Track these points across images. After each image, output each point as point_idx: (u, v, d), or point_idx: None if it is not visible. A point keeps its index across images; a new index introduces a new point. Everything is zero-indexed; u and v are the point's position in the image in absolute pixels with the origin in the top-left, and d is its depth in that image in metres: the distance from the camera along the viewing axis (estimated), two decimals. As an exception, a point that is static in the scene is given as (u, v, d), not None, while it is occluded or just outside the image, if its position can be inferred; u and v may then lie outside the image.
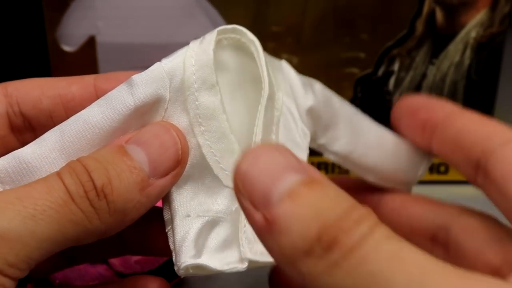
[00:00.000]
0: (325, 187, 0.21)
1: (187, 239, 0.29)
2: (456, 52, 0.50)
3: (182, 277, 0.38)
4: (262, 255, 0.28)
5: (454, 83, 0.51)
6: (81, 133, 0.28)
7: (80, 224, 0.26)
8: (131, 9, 0.49)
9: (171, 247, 0.29)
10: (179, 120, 0.29)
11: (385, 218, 0.29)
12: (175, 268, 0.29)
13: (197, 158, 0.29)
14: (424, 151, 0.35)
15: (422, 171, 0.37)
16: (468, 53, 0.50)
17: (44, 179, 0.27)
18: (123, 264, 0.39)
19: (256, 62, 0.30)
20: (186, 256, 0.28)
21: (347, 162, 0.34)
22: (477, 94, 0.51)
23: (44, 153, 0.28)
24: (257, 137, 0.29)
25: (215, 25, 0.51)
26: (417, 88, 0.50)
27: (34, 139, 0.29)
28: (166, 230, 0.30)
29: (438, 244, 0.33)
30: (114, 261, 0.40)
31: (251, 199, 0.21)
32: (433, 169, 0.53)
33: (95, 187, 0.27)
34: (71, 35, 0.50)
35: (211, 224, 0.29)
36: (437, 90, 0.51)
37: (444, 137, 0.33)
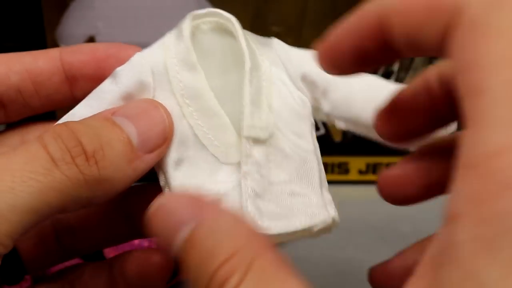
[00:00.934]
0: (206, 238, 0.22)
1: None
2: (456, 53, 0.50)
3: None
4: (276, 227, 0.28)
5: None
6: None
7: (65, 192, 0.25)
8: (131, 9, 0.49)
9: None
10: (168, 103, 0.29)
11: None
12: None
13: (191, 140, 0.29)
14: None
15: None
16: (467, 53, 0.50)
17: (25, 147, 0.26)
18: None
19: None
20: None
21: (359, 126, 0.32)
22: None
23: None
24: (247, 109, 0.29)
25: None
26: (416, 88, 0.51)
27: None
28: None
29: None
30: None
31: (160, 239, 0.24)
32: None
33: (85, 152, 0.26)
34: (70, 35, 0.50)
35: None
36: (437, 91, 0.51)
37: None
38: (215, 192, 0.29)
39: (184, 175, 0.29)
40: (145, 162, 0.28)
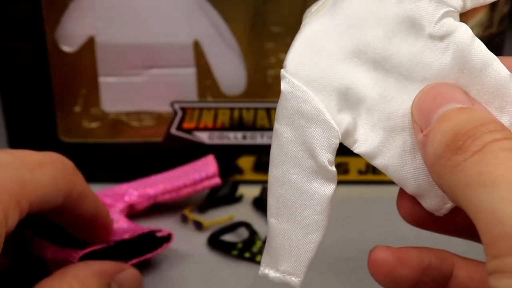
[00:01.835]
0: (476, 111, 0.27)
1: None
2: (456, 53, 0.50)
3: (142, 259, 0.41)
4: None
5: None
6: None
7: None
8: (131, 9, 0.49)
9: None
10: None
11: None
12: None
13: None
14: None
15: None
16: (467, 53, 0.50)
17: None
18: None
19: None
20: None
21: None
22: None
23: None
24: None
25: (215, 25, 0.51)
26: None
27: None
28: None
29: None
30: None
31: (419, 121, 0.28)
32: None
33: None
34: (70, 36, 0.50)
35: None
36: (437, 91, 0.51)
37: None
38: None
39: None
40: None
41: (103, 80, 0.51)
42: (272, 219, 0.31)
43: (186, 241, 0.47)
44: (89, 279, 0.33)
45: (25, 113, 0.51)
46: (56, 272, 0.34)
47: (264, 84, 0.51)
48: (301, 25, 0.32)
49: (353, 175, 0.54)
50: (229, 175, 0.54)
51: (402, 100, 0.30)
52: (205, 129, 0.52)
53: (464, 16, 0.50)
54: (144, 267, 0.45)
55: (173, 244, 0.44)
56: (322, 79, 0.30)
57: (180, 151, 0.52)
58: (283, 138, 0.30)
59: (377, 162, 0.31)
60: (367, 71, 0.30)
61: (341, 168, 0.53)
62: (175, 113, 0.51)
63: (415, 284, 0.31)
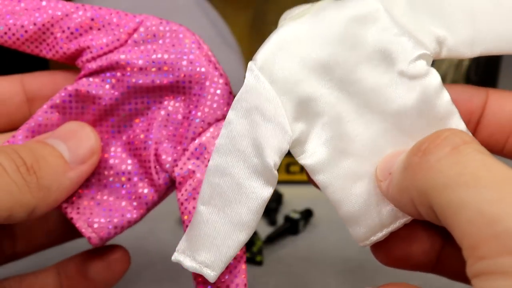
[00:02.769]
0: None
1: None
2: (456, 53, 0.50)
3: None
4: None
5: (454, 82, 0.51)
6: None
7: (13, 195, 0.29)
8: (131, 9, 0.49)
9: None
10: None
11: None
12: None
13: None
14: None
15: None
16: (467, 53, 0.50)
17: None
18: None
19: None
20: None
21: (475, 46, 0.31)
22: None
23: None
24: None
25: (215, 26, 0.51)
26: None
27: None
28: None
29: None
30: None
31: (382, 177, 0.29)
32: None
33: (25, 163, 0.30)
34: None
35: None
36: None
37: None
38: None
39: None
40: (78, 172, 0.33)
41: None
42: (201, 207, 0.30)
43: (186, 241, 0.47)
44: None
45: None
46: None
47: (264, 84, 0.51)
48: (279, 25, 0.32)
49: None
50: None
51: (357, 126, 0.30)
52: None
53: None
54: (144, 267, 0.45)
55: (173, 244, 0.44)
56: (288, 82, 0.30)
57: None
58: (235, 130, 0.30)
59: (319, 178, 0.30)
60: (331, 88, 0.30)
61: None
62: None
63: None
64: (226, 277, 0.32)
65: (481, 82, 0.51)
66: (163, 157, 0.34)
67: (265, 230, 0.49)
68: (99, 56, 0.34)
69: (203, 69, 0.33)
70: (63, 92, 0.34)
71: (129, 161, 0.35)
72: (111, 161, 0.35)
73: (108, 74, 0.34)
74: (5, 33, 0.34)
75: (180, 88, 0.34)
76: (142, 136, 0.34)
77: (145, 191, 0.34)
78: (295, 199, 0.52)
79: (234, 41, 0.50)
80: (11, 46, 0.35)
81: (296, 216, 0.49)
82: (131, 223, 0.34)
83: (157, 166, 0.34)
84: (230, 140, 0.30)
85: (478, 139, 0.29)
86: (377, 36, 0.30)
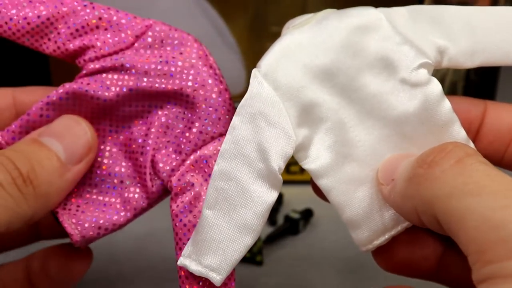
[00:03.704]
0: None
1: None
2: (456, 53, 0.50)
3: None
4: None
5: (454, 83, 0.51)
6: None
7: (10, 209, 0.29)
8: (131, 10, 0.49)
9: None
10: None
11: None
12: None
13: None
14: None
15: None
16: (467, 53, 0.50)
17: None
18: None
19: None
20: None
21: (475, 57, 0.31)
22: (476, 95, 0.51)
23: None
24: None
25: (215, 26, 0.51)
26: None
27: None
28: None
29: None
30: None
31: (384, 181, 0.29)
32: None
33: (21, 174, 0.29)
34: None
35: None
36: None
37: None
38: None
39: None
40: (75, 172, 0.32)
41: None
42: (207, 211, 0.31)
43: (186, 241, 0.47)
44: None
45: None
46: None
47: (264, 84, 0.51)
48: (282, 34, 0.32)
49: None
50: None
51: (359, 132, 0.31)
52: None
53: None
54: (143, 267, 0.45)
55: (173, 244, 0.44)
56: (292, 88, 0.30)
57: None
58: (240, 135, 0.30)
59: (322, 183, 0.31)
60: (334, 94, 0.31)
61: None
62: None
63: None
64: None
65: (481, 82, 0.51)
66: (160, 165, 0.33)
67: (265, 230, 0.49)
68: (103, 56, 0.34)
69: (209, 81, 0.33)
70: (61, 89, 0.33)
71: (124, 164, 0.34)
72: (105, 160, 0.34)
73: (110, 76, 0.33)
74: (6, 22, 0.34)
75: (184, 96, 0.33)
76: (140, 140, 0.34)
77: (136, 196, 0.33)
78: (295, 199, 0.52)
79: (234, 41, 0.50)
80: (9, 37, 0.34)
81: (296, 216, 0.49)
82: (116, 226, 0.33)
83: (152, 173, 0.33)
84: (235, 145, 0.30)
85: (477, 148, 0.30)
86: (379, 44, 0.30)
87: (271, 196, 0.30)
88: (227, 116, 0.33)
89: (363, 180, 0.30)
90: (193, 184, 0.32)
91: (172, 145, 0.34)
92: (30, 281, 0.36)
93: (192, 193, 0.32)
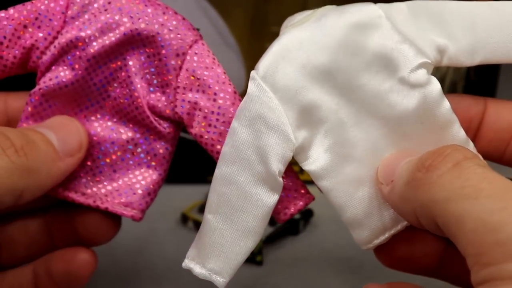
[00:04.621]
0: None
1: None
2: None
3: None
4: None
5: (454, 83, 0.51)
6: None
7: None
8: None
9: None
10: None
11: None
12: None
13: None
14: None
15: None
16: (467, 53, 0.50)
17: None
18: None
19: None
20: None
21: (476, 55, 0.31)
22: (476, 95, 0.51)
23: None
24: None
25: (215, 25, 0.51)
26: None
27: None
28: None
29: None
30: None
31: (384, 180, 0.29)
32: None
33: (13, 145, 0.29)
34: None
35: None
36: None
37: None
38: None
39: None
40: (66, 163, 0.32)
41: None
42: (209, 215, 0.31)
43: (186, 241, 0.47)
44: None
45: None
46: None
47: (264, 84, 0.51)
48: (280, 33, 0.32)
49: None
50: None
51: (359, 132, 0.30)
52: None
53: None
54: (143, 267, 0.45)
55: (173, 244, 0.44)
56: (290, 90, 0.30)
57: (179, 150, 0.52)
58: (240, 139, 0.30)
59: (322, 184, 0.31)
60: (333, 95, 0.31)
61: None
62: (175, 113, 0.51)
63: None
64: None
65: (481, 82, 0.51)
66: (159, 105, 0.33)
67: (265, 230, 0.48)
68: (47, 47, 0.34)
69: (149, 10, 0.33)
70: (31, 98, 0.33)
71: (127, 128, 0.34)
72: (111, 135, 0.34)
73: (66, 58, 0.33)
74: None
75: (136, 37, 0.33)
76: (126, 99, 0.34)
77: (157, 146, 0.34)
78: (295, 199, 0.52)
79: (233, 41, 0.50)
80: None
81: (296, 216, 0.49)
82: (160, 183, 0.34)
83: (156, 118, 0.34)
84: (234, 149, 0.30)
85: (477, 146, 0.30)
86: (378, 43, 0.30)
87: (272, 199, 0.30)
88: (185, 27, 0.34)
89: (363, 180, 0.30)
90: (196, 102, 0.33)
91: (155, 82, 0.34)
92: (36, 286, 0.36)
93: (200, 109, 0.33)
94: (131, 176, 0.34)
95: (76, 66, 0.33)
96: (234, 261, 0.30)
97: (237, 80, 0.51)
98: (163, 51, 0.33)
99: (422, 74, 0.30)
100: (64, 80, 0.33)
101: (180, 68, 0.33)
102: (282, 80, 0.30)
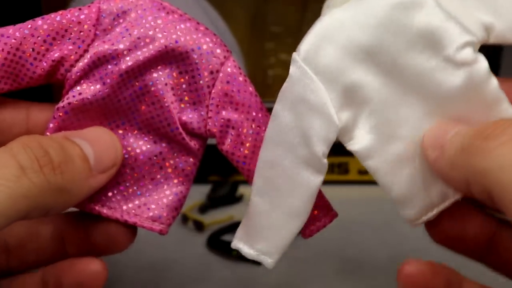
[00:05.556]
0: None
1: None
2: (456, 53, 0.50)
3: None
4: None
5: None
6: None
7: (31, 199, 0.27)
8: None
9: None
10: None
11: None
12: None
13: None
14: None
15: None
16: (467, 53, 0.50)
17: None
18: None
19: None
20: None
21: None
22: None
23: None
24: None
25: (215, 26, 0.51)
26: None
27: None
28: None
29: None
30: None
31: (432, 145, 0.29)
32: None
33: (51, 162, 0.28)
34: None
35: None
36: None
37: None
38: None
39: None
40: (98, 181, 0.31)
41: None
42: (256, 198, 0.31)
43: (186, 241, 0.47)
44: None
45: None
46: None
47: (264, 84, 0.50)
48: (322, 13, 0.32)
49: (353, 175, 0.54)
50: (229, 175, 0.54)
51: (404, 111, 0.30)
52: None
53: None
54: (144, 267, 0.45)
55: (173, 244, 0.44)
56: (333, 71, 0.30)
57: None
58: (283, 122, 0.30)
59: (369, 163, 0.31)
60: (377, 74, 0.30)
61: (341, 168, 0.53)
62: (175, 113, 0.51)
63: None
64: None
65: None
66: (191, 122, 0.33)
67: (265, 230, 0.49)
68: (76, 60, 0.33)
69: (182, 26, 0.33)
70: (58, 112, 0.32)
71: (156, 143, 0.34)
72: (140, 150, 0.34)
73: (96, 72, 0.33)
74: None
75: (169, 53, 0.33)
76: (155, 115, 0.33)
77: (186, 162, 0.34)
78: (295, 199, 0.52)
79: (234, 41, 0.50)
80: None
81: (296, 216, 0.49)
82: (184, 198, 0.34)
83: (187, 134, 0.33)
84: (277, 132, 0.31)
85: None
86: (423, 21, 0.30)
87: (317, 180, 0.30)
88: (216, 44, 0.33)
89: (409, 158, 0.30)
90: (229, 119, 0.33)
91: (187, 100, 0.33)
92: None
93: (233, 127, 0.33)
94: (159, 191, 0.34)
95: (108, 81, 0.32)
96: (282, 242, 0.31)
97: (237, 80, 0.51)
98: (196, 68, 0.33)
99: (468, 52, 0.29)
100: (94, 94, 0.32)
101: (213, 85, 0.33)
102: (323, 61, 0.30)
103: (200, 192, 0.52)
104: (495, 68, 0.51)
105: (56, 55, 0.33)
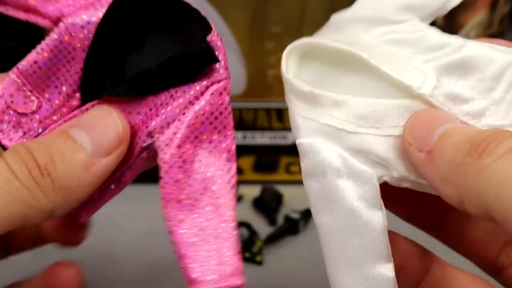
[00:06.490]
0: (476, 128, 0.28)
1: None
2: (455, 53, 0.50)
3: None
4: None
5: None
6: None
7: (26, 202, 0.28)
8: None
9: None
10: None
11: None
12: None
13: None
14: None
15: None
16: (467, 53, 0.50)
17: None
18: None
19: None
20: None
21: None
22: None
23: None
24: None
25: (215, 25, 0.51)
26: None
27: None
28: None
29: None
30: None
31: (415, 143, 0.28)
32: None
33: (38, 166, 0.28)
34: (70, 35, 0.50)
35: None
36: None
37: None
38: None
39: None
40: (103, 165, 0.30)
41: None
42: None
43: (186, 241, 0.47)
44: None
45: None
46: None
47: (264, 84, 0.50)
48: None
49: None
50: (229, 175, 0.54)
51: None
52: (205, 129, 0.52)
53: (464, 16, 0.50)
54: (144, 267, 0.45)
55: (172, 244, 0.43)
56: None
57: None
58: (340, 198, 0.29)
59: None
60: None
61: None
62: (175, 113, 0.51)
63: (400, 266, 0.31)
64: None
65: None
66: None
67: (265, 230, 0.48)
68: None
69: None
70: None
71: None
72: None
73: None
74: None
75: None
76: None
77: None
78: (295, 199, 0.52)
79: (234, 41, 0.50)
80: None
81: (296, 216, 0.49)
82: None
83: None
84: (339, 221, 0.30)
85: None
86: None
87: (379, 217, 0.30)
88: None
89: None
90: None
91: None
92: None
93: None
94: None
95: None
96: None
97: (237, 80, 0.51)
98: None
99: None
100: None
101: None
102: None
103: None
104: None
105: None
